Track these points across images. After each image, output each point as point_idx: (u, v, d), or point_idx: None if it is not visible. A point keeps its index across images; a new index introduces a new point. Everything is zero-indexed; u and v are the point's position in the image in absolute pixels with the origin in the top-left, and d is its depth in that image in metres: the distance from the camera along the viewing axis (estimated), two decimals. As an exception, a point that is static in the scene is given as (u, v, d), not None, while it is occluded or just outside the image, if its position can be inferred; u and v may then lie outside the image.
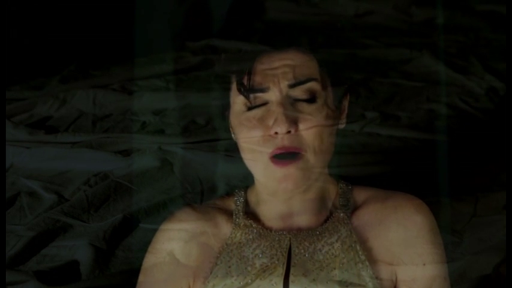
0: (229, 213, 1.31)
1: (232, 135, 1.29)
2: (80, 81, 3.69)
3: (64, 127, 3.13)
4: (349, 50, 4.10)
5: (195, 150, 2.77)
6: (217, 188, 2.52)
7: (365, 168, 2.55)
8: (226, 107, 1.29)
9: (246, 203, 1.31)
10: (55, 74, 3.78)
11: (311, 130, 1.20)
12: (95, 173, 2.62)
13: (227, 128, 1.31)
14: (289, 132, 1.19)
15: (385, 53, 4.11)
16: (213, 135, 2.89)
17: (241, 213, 1.29)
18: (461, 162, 2.59)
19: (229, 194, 1.36)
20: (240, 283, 1.21)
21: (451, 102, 3.28)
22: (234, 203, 1.32)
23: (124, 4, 4.07)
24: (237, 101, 1.24)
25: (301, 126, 1.19)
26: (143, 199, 2.45)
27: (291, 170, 1.20)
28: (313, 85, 1.22)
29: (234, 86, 1.25)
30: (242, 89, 1.22)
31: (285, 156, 1.19)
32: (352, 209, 1.28)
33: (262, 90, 1.21)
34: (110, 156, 2.74)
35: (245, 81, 1.22)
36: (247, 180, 1.33)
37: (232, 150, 2.67)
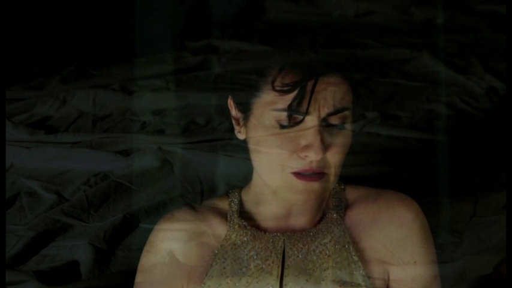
0: (224, 214, 1.30)
1: (238, 133, 1.27)
2: (80, 81, 3.68)
3: (64, 127, 3.13)
4: (349, 50, 4.09)
5: (195, 150, 2.76)
6: (217, 188, 2.52)
7: (365, 168, 2.55)
8: (244, 109, 1.25)
9: (241, 203, 1.31)
10: (55, 74, 3.78)
11: (337, 155, 1.21)
12: (95, 173, 2.62)
13: (227, 128, 1.30)
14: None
15: (385, 53, 4.11)
16: (213, 135, 2.89)
17: (235, 214, 1.29)
18: (461, 162, 2.59)
19: (224, 194, 1.35)
20: (235, 284, 1.22)
21: (451, 102, 3.28)
22: (228, 204, 1.31)
23: (124, 4, 4.07)
24: (268, 115, 1.21)
25: (330, 151, 1.20)
26: (143, 199, 2.45)
27: (314, 185, 1.20)
28: (346, 113, 1.22)
29: (266, 97, 1.21)
30: (288, 111, 1.19)
31: (309, 174, 1.20)
32: (344, 208, 1.29)
33: (302, 114, 1.19)
34: (110, 156, 2.74)
35: (292, 102, 1.18)
36: (247, 180, 1.33)
37: (232, 150, 2.67)
